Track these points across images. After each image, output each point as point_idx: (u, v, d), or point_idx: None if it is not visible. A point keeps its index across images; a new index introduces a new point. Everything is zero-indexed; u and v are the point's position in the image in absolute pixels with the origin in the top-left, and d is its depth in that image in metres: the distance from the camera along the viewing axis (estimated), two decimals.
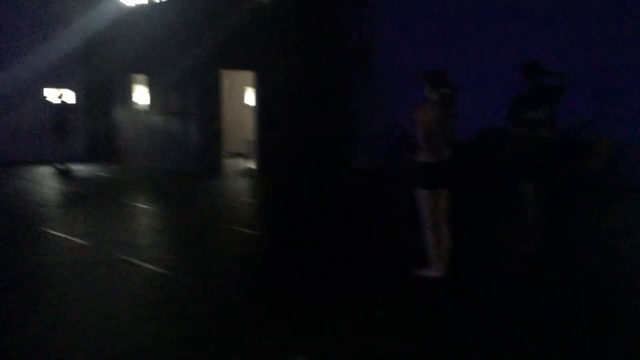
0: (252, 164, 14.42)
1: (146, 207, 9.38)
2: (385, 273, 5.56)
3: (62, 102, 14.06)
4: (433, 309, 4.63)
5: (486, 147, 11.01)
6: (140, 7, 15.19)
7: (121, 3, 16.09)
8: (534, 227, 6.11)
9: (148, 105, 15.10)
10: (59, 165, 14.03)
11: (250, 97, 15.30)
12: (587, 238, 7.13)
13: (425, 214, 5.20)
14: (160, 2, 14.77)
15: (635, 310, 4.57)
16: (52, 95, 14.47)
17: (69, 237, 6.94)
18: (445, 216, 5.24)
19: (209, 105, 13.46)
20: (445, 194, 5.20)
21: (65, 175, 13.23)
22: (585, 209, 9.02)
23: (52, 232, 7.25)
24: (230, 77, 16.25)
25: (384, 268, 5.74)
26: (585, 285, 5.25)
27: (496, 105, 11.59)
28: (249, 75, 14.47)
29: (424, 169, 5.10)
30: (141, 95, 15.55)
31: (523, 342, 3.89)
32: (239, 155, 16.19)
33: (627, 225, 7.77)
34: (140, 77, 15.29)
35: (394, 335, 3.99)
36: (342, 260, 6.09)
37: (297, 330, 4.09)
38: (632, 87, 10.51)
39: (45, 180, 12.34)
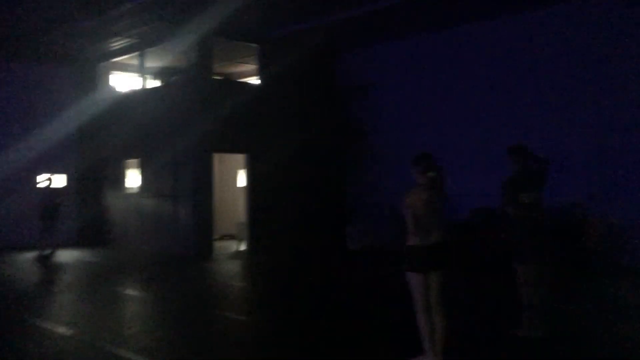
0: (243, 246, 14.29)
1: (133, 293, 9.18)
2: None
3: (50, 187, 14.00)
4: None
5: (482, 226, 11.01)
6: (134, 93, 15.54)
7: (114, 89, 16.48)
8: (535, 311, 5.98)
9: (140, 187, 15.12)
10: (46, 251, 13.78)
11: (242, 179, 15.39)
12: (588, 320, 6.98)
13: (417, 298, 5.09)
14: (153, 88, 15.13)
15: None
16: (41, 180, 14.47)
17: (53, 328, 6.72)
18: (439, 299, 5.12)
19: (200, 187, 13.49)
20: (437, 278, 5.11)
21: (50, 261, 13.00)
22: (585, 290, 8.89)
23: (36, 322, 7.03)
24: (221, 160, 16.42)
25: (380, 356, 5.55)
26: None
27: (489, 185, 11.75)
28: (240, 157, 14.62)
29: (413, 252, 5.05)
30: (133, 178, 15.61)
31: None
32: (231, 237, 16.08)
33: (627, 306, 7.63)
34: (133, 160, 15.41)
35: None
36: (335, 347, 5.90)
37: None
38: (626, 168, 10.63)
39: (30, 267, 12.13)
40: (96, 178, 16.30)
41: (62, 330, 6.57)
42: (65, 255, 13.70)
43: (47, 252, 13.69)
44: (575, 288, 8.85)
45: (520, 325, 6.05)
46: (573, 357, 5.49)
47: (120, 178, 15.77)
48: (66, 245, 14.77)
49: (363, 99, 15.10)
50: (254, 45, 14.43)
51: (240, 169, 15.47)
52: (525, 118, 11.86)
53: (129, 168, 15.69)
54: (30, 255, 13.64)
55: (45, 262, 12.89)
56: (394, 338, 6.16)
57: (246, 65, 16.15)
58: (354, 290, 9.45)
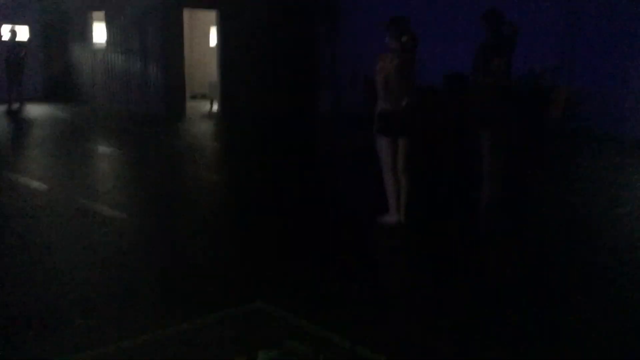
0: (215, 107, 14.23)
1: (106, 150, 9.24)
2: (347, 219, 5.65)
3: (14, 39, 13.47)
4: (387, 254, 4.76)
5: (451, 93, 11.06)
6: None
7: None
8: (494, 175, 6.23)
9: (107, 42, 14.60)
10: (14, 106, 13.58)
11: (213, 38, 14.93)
12: (545, 185, 7.33)
13: (385, 161, 5.26)
14: None
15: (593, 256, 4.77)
16: (4, 32, 13.84)
17: (27, 181, 6.82)
18: (405, 164, 5.30)
19: (170, 44, 13.10)
20: (404, 142, 5.25)
21: (19, 115, 12.84)
22: (544, 157, 9.23)
23: (7, 174, 7.11)
24: (192, 16, 15.80)
25: (347, 214, 5.83)
26: (541, 232, 5.44)
27: (461, 50, 11.61)
28: (212, 14, 14.08)
29: (383, 116, 5.13)
30: (100, 32, 15.00)
31: (472, 285, 4.05)
32: (203, 97, 15.93)
33: (584, 171, 8.01)
34: (99, 13, 14.71)
35: (349, 281, 4.10)
36: (304, 205, 6.16)
37: (258, 273, 4.16)
38: (592, 35, 10.61)
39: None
40: (61, 31, 15.63)
41: (36, 185, 6.67)
42: (33, 110, 13.51)
43: (15, 106, 13.49)
44: (536, 154, 9.18)
45: (481, 189, 6.32)
46: (527, 217, 5.84)
47: (86, 32, 15.15)
48: (32, 100, 14.49)
49: None
50: None
51: (212, 26, 14.97)
52: None
53: (95, 21, 15.03)
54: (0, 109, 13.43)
55: (14, 116, 12.73)
56: (362, 198, 6.43)
57: None
58: (323, 153, 9.66)
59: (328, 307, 3.61)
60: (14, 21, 14.36)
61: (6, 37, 13.50)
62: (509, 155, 6.44)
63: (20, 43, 13.83)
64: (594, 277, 4.28)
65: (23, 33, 14.89)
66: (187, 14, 14.06)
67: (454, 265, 4.47)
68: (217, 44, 13.90)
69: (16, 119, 12.31)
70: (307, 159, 9.01)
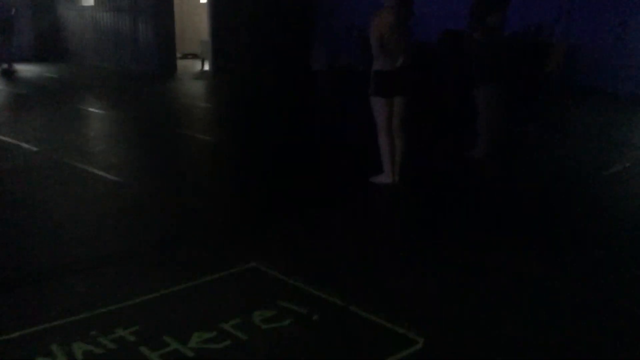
0: (207, 66, 14.05)
1: (97, 111, 9.13)
2: (341, 179, 5.64)
3: None
4: (382, 215, 4.76)
5: (446, 49, 10.95)
6: None
7: None
8: (489, 133, 6.23)
9: (95, 0, 14.31)
10: (3, 65, 13.38)
11: None
12: (541, 141, 7.32)
13: (380, 122, 5.21)
14: None
15: (584, 214, 4.79)
16: None
17: (16, 142, 6.75)
18: (401, 124, 5.27)
19: (160, 2, 12.84)
20: (400, 102, 5.20)
21: (11, 76, 12.66)
22: (541, 112, 9.19)
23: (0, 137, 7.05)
24: None
25: (341, 174, 5.82)
26: (533, 189, 5.45)
27: (455, 6, 11.44)
28: None
29: (378, 76, 5.05)
30: None
31: (465, 243, 4.06)
32: (194, 56, 15.72)
33: (582, 126, 7.99)
34: None
35: (342, 241, 4.11)
36: (298, 166, 6.13)
37: (252, 234, 4.16)
38: None
39: None
40: None
41: (27, 146, 6.61)
42: (24, 71, 13.31)
43: (4, 66, 13.31)
44: (531, 110, 9.14)
45: (476, 146, 6.31)
46: (521, 175, 5.85)
47: None
48: (22, 59, 14.27)
49: None
50: None
51: None
52: None
53: None
54: None
55: (4, 76, 12.55)
56: (355, 158, 6.41)
57: None
58: (317, 111, 9.59)
59: (321, 266, 3.63)
60: None
61: None
62: (505, 110, 6.42)
63: (9, 2, 13.53)
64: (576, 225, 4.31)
65: None
66: None
67: (445, 223, 4.48)
68: (208, 2, 13.64)
69: (6, 80, 12.12)
70: (300, 117, 8.94)
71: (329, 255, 3.84)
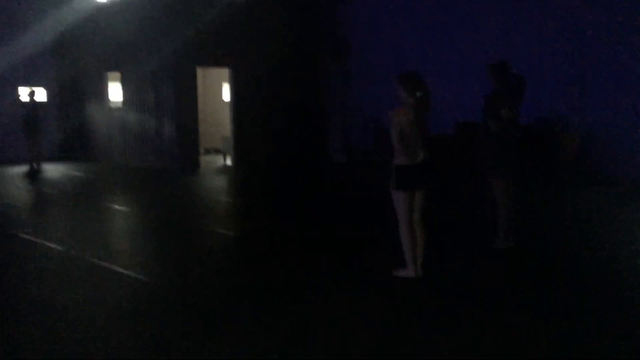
0: (229, 160, 14.38)
1: (122, 208, 9.30)
2: (364, 273, 5.59)
3: (32, 100, 13.83)
4: (405, 310, 4.67)
5: (462, 141, 11.13)
6: (113, 3, 15.00)
7: None
8: (508, 223, 6.21)
9: (122, 102, 14.93)
10: (33, 166, 13.84)
11: (226, 93, 15.23)
12: (560, 231, 7.24)
13: (401, 215, 5.24)
14: None
15: (607, 300, 4.66)
16: (24, 94, 14.22)
17: (43, 242, 6.86)
18: (421, 216, 5.29)
19: (184, 101, 13.36)
20: (420, 195, 5.25)
21: (38, 175, 13.04)
22: (556, 202, 9.15)
23: (25, 236, 7.16)
24: (205, 74, 16.16)
25: (363, 267, 5.78)
26: (560, 277, 5.34)
27: (470, 99, 11.71)
28: (224, 71, 14.40)
29: (399, 171, 5.14)
30: (115, 92, 15.37)
31: (495, 338, 3.95)
32: (216, 151, 16.13)
33: (598, 215, 7.91)
34: (114, 74, 15.11)
35: (369, 337, 4.03)
36: (320, 259, 6.11)
37: (273, 332, 4.10)
38: (600, 81, 10.67)
39: (17, 181, 12.16)
40: (77, 91, 16.03)
41: (53, 245, 6.71)
42: (51, 170, 13.73)
43: (34, 166, 13.77)
44: (547, 200, 9.11)
45: (496, 237, 6.28)
46: (543, 265, 5.75)
47: (102, 91, 15.52)
48: (49, 159, 14.76)
49: (346, 11, 14.76)
50: None
51: (224, 82, 15.28)
52: (508, 31, 11.75)
53: (110, 81, 15.42)
54: (16, 169, 13.65)
55: (33, 176, 12.93)
56: (377, 251, 6.38)
57: None
58: (338, 203, 9.65)
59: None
60: (31, 83, 14.77)
61: (25, 98, 13.86)
62: (522, 201, 6.43)
63: (38, 104, 14.18)
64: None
65: (40, 94, 15.29)
66: (200, 71, 14.39)
67: (472, 318, 4.38)
68: (230, 100, 14.15)
69: (35, 179, 12.49)
70: (321, 209, 9.00)
71: (349, 354, 3.75)
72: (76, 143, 16.06)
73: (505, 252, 6.13)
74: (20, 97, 14.31)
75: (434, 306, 4.72)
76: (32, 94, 13.81)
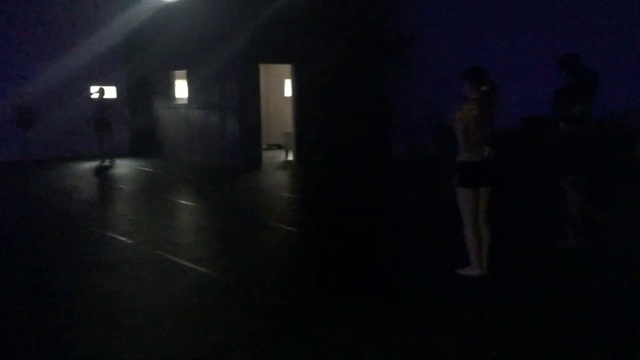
0: (291, 156, 14.49)
1: (188, 203, 9.53)
2: (427, 271, 5.53)
3: (102, 98, 14.38)
4: (470, 309, 4.58)
5: (530, 136, 10.80)
6: (179, 2, 15.37)
7: None
8: (577, 223, 6.00)
9: (188, 99, 15.30)
10: (106, 162, 14.41)
11: (288, 90, 15.34)
12: (631, 231, 6.93)
13: (465, 213, 5.15)
14: None
15: None
16: (93, 92, 14.79)
17: (113, 235, 7.12)
18: (486, 215, 5.17)
19: (247, 98, 13.55)
20: (486, 193, 5.13)
21: (108, 171, 13.55)
22: (628, 202, 8.75)
23: (97, 230, 7.45)
24: (267, 70, 16.33)
25: (427, 266, 5.71)
26: (630, 279, 5.12)
27: (540, 93, 11.35)
28: (286, 67, 14.51)
29: (464, 168, 5.04)
30: (181, 89, 15.77)
31: (559, 341, 3.83)
32: (278, 147, 16.29)
33: None
34: (180, 72, 15.50)
35: (432, 338, 3.97)
36: (384, 257, 6.08)
37: (339, 334, 4.10)
38: None
39: (89, 176, 12.66)
40: (145, 89, 16.54)
41: (124, 238, 6.95)
42: (121, 166, 14.23)
43: (105, 162, 14.33)
44: (619, 199, 8.72)
45: (564, 237, 6.08)
46: (612, 266, 5.51)
47: (169, 89, 15.95)
48: (118, 155, 15.31)
49: (410, 5, 14.58)
50: None
51: (287, 78, 15.40)
52: (579, 22, 11.30)
53: (176, 79, 15.83)
54: (88, 165, 14.22)
55: (105, 172, 13.44)
56: (441, 249, 6.29)
57: None
58: (399, 201, 9.58)
59: None
60: (102, 82, 15.33)
61: (95, 96, 14.42)
62: (592, 199, 6.19)
63: (108, 101, 14.73)
64: None
65: (111, 92, 15.86)
66: (263, 67, 14.54)
67: (539, 319, 4.25)
68: (292, 96, 14.25)
69: (106, 175, 12.97)
70: (383, 207, 8.95)
71: (415, 354, 3.71)
72: (144, 140, 16.58)
73: (574, 251, 5.93)
74: (91, 95, 14.88)
75: (498, 306, 4.60)
76: (101, 91, 14.35)
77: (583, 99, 5.82)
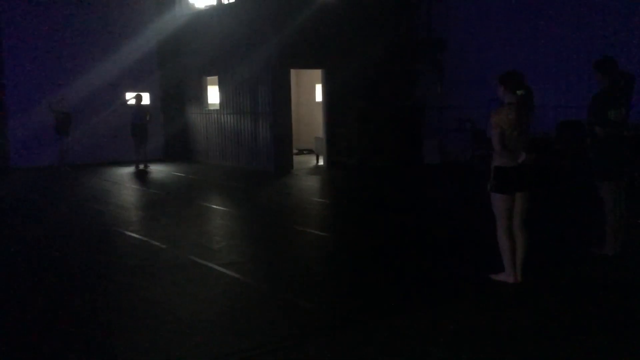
0: (322, 161, 14.50)
1: (220, 208, 9.61)
2: (461, 276, 5.45)
3: (139, 104, 14.59)
4: (504, 317, 4.49)
5: (565, 141, 10.61)
6: (211, 9, 15.55)
7: (192, 5, 16.50)
8: (614, 229, 5.84)
9: (220, 104, 15.45)
10: (141, 167, 14.62)
11: (319, 95, 15.36)
12: None
13: (500, 218, 5.07)
14: (229, 3, 15.05)
15: None
16: (130, 98, 15.02)
17: (147, 240, 7.20)
18: (522, 221, 5.08)
19: (279, 103, 13.61)
20: (522, 198, 5.04)
21: (144, 176, 13.74)
22: None
23: (129, 233, 7.55)
24: (299, 75, 16.40)
25: (460, 271, 5.64)
26: None
27: (573, 96, 11.17)
28: (317, 72, 14.54)
29: (498, 172, 4.96)
30: (213, 95, 15.94)
31: (592, 350, 3.72)
32: (309, 152, 16.33)
33: None
34: (213, 78, 15.67)
35: (462, 343, 3.91)
36: (416, 262, 6.03)
37: (369, 338, 4.07)
38: None
39: (125, 181, 12.86)
40: (179, 95, 16.75)
41: (157, 243, 7.03)
42: (155, 170, 14.43)
43: (141, 167, 14.55)
44: None
45: (601, 243, 5.93)
46: None
47: (201, 95, 16.13)
48: (153, 160, 15.53)
49: (441, 9, 14.49)
50: None
51: (318, 83, 15.43)
52: (615, 26, 11.08)
53: (209, 85, 16.00)
54: (124, 170, 14.45)
55: (141, 176, 13.65)
56: (474, 254, 6.20)
57: None
58: (432, 206, 9.49)
59: None
60: (137, 88, 15.60)
61: (132, 102, 14.65)
62: (631, 205, 6.03)
63: (144, 107, 14.95)
64: None
65: (145, 99, 16.12)
66: (293, 72, 14.61)
67: (576, 327, 4.15)
68: (323, 101, 14.26)
69: (140, 179, 13.16)
70: (414, 211, 8.88)
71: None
72: (177, 145, 16.78)
73: (612, 258, 5.78)
74: (127, 102, 15.09)
75: (529, 314, 4.51)
76: (138, 97, 14.57)
77: (619, 104, 5.69)
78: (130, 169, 14.55)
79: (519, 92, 4.82)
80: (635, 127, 9.35)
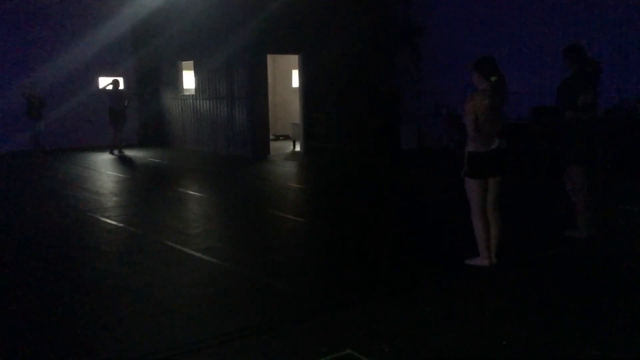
0: (298, 147, 14.51)
1: (197, 194, 9.58)
2: (435, 261, 5.54)
3: (116, 89, 14.42)
4: (479, 298, 4.59)
5: (539, 126, 10.76)
6: None
7: None
8: (586, 212, 5.99)
9: (195, 90, 15.32)
10: (115, 152, 14.48)
11: (295, 81, 15.32)
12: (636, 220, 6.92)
13: (474, 203, 5.16)
14: None
15: None
16: (106, 83, 14.79)
17: (123, 226, 7.16)
18: (495, 204, 5.18)
19: (255, 89, 13.56)
20: (495, 183, 5.13)
21: (119, 161, 13.61)
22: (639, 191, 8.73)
23: (105, 219, 7.50)
24: (275, 60, 16.32)
25: (435, 256, 5.72)
26: (635, 273, 5.12)
27: (547, 82, 11.31)
28: (294, 59, 14.49)
29: (472, 158, 5.04)
30: (189, 80, 15.79)
31: (566, 332, 3.83)
32: (286, 137, 16.31)
33: None
34: (188, 62, 15.51)
35: (441, 328, 3.99)
36: (392, 247, 6.10)
37: (350, 321, 4.12)
38: None
39: (99, 166, 12.73)
40: (153, 80, 16.56)
41: (133, 229, 7.00)
42: (129, 156, 14.29)
43: (115, 152, 14.42)
44: (630, 188, 8.68)
45: (572, 226, 6.08)
46: (621, 256, 5.50)
47: (176, 80, 15.97)
48: (128, 146, 15.37)
49: None
50: None
51: (294, 69, 15.39)
52: (586, 12, 11.23)
53: (184, 70, 15.84)
54: (98, 156, 14.29)
55: (114, 162, 13.51)
56: (449, 240, 6.30)
57: None
58: (408, 191, 9.58)
59: (419, 354, 3.52)
60: (111, 72, 15.37)
61: (109, 87, 14.44)
62: (602, 189, 6.18)
63: (123, 92, 14.78)
64: None
65: (120, 83, 15.90)
66: (270, 58, 14.54)
67: (550, 310, 4.26)
68: (300, 86, 14.24)
69: (118, 165, 13.03)
70: (391, 197, 8.96)
71: (426, 344, 3.73)
72: (152, 130, 16.63)
73: (583, 241, 5.92)
74: (106, 87, 14.82)
75: (508, 299, 4.61)
76: (116, 83, 14.38)
77: (587, 89, 5.83)
78: (105, 155, 14.40)
79: (492, 79, 4.88)
80: (606, 112, 9.56)
